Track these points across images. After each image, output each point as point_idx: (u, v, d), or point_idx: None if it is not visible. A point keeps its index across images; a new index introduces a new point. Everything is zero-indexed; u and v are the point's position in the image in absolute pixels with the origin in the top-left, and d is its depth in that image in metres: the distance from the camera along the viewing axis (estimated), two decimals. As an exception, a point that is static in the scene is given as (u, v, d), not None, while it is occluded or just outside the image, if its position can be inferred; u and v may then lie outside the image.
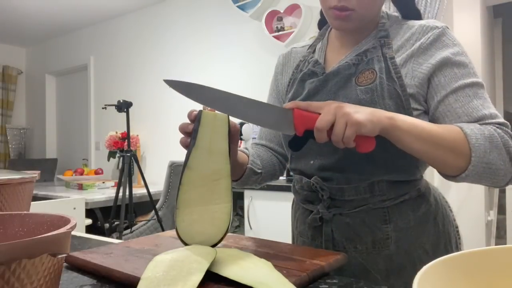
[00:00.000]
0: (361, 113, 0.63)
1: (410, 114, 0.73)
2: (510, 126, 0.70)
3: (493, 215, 3.15)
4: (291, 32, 2.95)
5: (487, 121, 0.70)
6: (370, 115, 0.64)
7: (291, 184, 0.91)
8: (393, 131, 0.65)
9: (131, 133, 3.37)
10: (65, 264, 0.66)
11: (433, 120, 0.76)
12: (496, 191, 3.37)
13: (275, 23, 3.09)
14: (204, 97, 0.66)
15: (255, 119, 0.68)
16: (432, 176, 2.64)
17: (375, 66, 0.76)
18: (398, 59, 0.76)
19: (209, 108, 0.68)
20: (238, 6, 3.22)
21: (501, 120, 0.70)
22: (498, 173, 0.67)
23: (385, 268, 0.77)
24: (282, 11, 3.06)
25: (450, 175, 0.70)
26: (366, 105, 0.74)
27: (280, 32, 3.03)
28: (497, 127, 0.69)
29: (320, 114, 0.65)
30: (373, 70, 0.76)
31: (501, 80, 4.21)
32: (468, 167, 0.66)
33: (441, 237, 0.79)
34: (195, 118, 0.67)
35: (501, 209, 3.47)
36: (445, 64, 0.74)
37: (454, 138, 0.67)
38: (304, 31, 2.93)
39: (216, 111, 0.67)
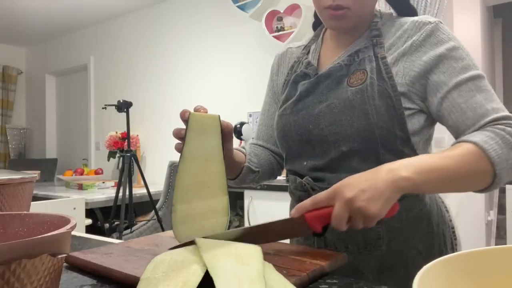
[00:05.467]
0: (377, 200, 0.58)
1: (401, 114, 0.72)
2: None
3: (493, 215, 3.15)
4: (291, 32, 2.95)
5: (491, 117, 0.68)
6: (388, 192, 0.59)
7: (288, 184, 0.92)
8: (415, 190, 0.62)
9: (131, 133, 3.37)
10: (65, 264, 0.66)
11: (438, 117, 0.74)
12: (496, 191, 3.37)
13: (275, 23, 3.09)
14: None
15: (274, 238, 0.68)
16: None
17: (366, 67, 0.76)
18: (390, 58, 0.75)
19: (202, 110, 0.67)
20: (238, 6, 3.22)
21: (505, 113, 0.69)
22: None
23: (376, 268, 0.76)
24: (282, 11, 3.06)
25: (478, 190, 0.69)
26: (356, 105, 0.73)
27: (280, 32, 3.03)
28: (502, 124, 0.67)
29: (331, 206, 0.61)
30: (365, 70, 0.76)
31: (501, 80, 4.21)
32: (494, 180, 0.65)
33: (434, 238, 0.78)
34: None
35: (501, 209, 3.47)
36: (442, 60, 0.72)
37: (471, 161, 0.64)
38: (304, 31, 2.93)
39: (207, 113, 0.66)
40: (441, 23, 0.76)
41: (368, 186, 0.59)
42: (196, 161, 0.63)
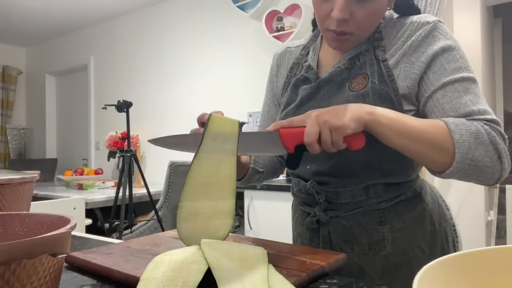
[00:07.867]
0: (341, 116, 0.62)
1: None
2: (500, 123, 0.67)
3: (493, 215, 3.15)
4: (291, 32, 2.95)
5: (475, 117, 0.67)
6: (351, 113, 0.63)
7: (291, 186, 0.92)
8: (374, 126, 0.64)
9: (131, 133, 3.37)
10: (65, 264, 0.66)
11: (421, 117, 0.73)
12: (496, 191, 3.37)
13: (275, 23, 3.09)
14: (190, 144, 0.66)
15: (245, 149, 0.68)
16: (432, 177, 2.64)
17: (367, 70, 0.75)
18: (391, 60, 0.74)
19: (219, 112, 0.68)
20: (238, 6, 3.22)
21: (490, 116, 0.67)
22: (485, 171, 0.64)
23: (381, 268, 0.77)
24: (282, 11, 3.06)
25: (436, 171, 0.68)
26: None
27: (280, 32, 3.03)
28: (485, 123, 0.66)
29: (304, 127, 0.64)
30: (366, 74, 0.75)
31: (501, 80, 4.20)
32: (452, 164, 0.64)
33: (437, 236, 0.79)
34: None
35: (501, 209, 3.46)
36: (435, 59, 0.71)
37: (436, 133, 0.64)
38: (304, 31, 2.93)
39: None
40: (440, 22, 0.75)
41: (335, 108, 0.65)
42: (210, 162, 0.63)
